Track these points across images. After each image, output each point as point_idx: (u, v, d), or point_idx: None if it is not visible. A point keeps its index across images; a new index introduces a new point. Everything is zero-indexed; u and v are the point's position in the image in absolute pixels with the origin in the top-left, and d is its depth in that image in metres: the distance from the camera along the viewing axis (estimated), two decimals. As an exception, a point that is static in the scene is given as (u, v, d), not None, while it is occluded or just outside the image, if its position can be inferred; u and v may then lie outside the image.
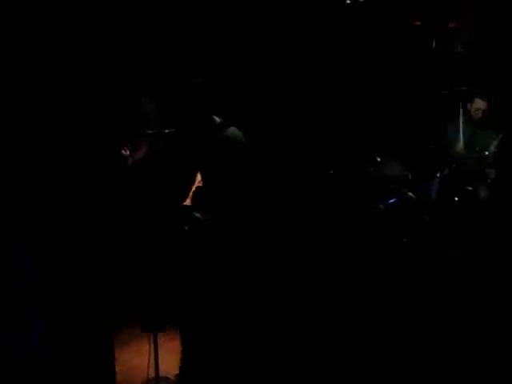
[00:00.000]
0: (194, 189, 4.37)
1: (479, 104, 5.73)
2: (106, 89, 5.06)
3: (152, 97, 5.34)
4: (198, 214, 4.07)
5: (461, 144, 5.78)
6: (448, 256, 5.41)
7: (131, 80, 5.24)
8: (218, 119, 4.05)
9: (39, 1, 4.43)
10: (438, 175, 5.76)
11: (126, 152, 5.12)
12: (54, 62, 4.52)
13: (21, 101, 4.21)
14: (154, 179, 4.99)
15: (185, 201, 4.39)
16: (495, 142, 5.69)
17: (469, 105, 5.80)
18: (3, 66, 3.98)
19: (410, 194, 5.80)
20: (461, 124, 5.83)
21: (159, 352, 4.08)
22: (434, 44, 6.92)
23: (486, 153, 5.61)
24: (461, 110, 5.80)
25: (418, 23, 6.91)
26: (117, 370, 4.07)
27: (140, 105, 5.22)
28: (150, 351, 4.05)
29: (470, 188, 5.65)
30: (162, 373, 4.13)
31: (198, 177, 4.39)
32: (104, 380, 3.91)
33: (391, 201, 5.83)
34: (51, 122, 4.25)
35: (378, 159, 5.93)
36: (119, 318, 4.71)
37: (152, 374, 4.11)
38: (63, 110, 4.37)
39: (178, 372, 4.26)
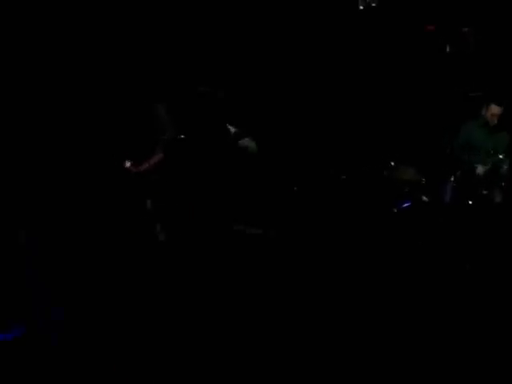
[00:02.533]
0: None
1: (495, 110, 5.71)
2: (121, 95, 5.15)
3: (167, 104, 5.40)
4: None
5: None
6: (460, 259, 5.41)
7: (146, 87, 5.30)
8: (232, 129, 4.10)
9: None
10: (452, 179, 5.76)
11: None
12: (68, 69, 4.62)
13: (32, 105, 4.30)
14: (166, 183, 5.06)
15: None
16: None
17: (483, 110, 5.79)
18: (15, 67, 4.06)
19: (424, 197, 5.81)
20: (472, 129, 5.86)
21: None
22: (447, 49, 6.93)
23: (500, 156, 5.61)
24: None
25: (432, 28, 6.92)
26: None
27: (154, 112, 5.28)
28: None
29: (485, 192, 5.65)
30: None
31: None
32: (108, 378, 3.94)
33: (405, 205, 5.84)
34: (61, 128, 4.33)
35: (392, 164, 5.94)
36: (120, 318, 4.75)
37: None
38: (75, 116, 4.47)
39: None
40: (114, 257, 4.18)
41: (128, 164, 5.04)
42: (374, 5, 6.68)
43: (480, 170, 5.70)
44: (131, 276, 4.78)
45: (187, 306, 4.29)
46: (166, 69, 5.98)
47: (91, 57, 5.28)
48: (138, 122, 5.20)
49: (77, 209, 4.06)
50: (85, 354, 3.71)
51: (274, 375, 3.87)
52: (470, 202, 5.64)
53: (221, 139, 4.09)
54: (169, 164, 5.14)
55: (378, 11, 6.83)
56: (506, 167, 5.62)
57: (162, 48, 6.01)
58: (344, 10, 6.83)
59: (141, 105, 5.25)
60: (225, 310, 4.13)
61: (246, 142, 4.09)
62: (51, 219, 3.86)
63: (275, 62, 6.44)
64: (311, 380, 3.89)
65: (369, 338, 4.35)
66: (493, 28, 6.77)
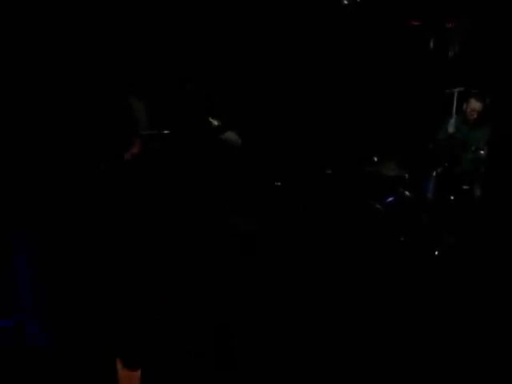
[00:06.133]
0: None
1: (475, 105, 5.79)
2: (100, 91, 5.14)
3: (144, 99, 5.39)
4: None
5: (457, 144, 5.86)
6: (444, 252, 5.49)
7: (124, 82, 5.29)
8: (215, 122, 4.09)
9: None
10: (434, 174, 5.82)
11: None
12: (48, 65, 4.59)
13: (19, 102, 4.28)
14: (146, 177, 5.07)
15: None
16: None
17: (464, 105, 5.87)
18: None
19: (407, 193, 5.87)
20: (455, 124, 5.92)
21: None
22: (431, 44, 6.98)
23: (482, 152, 5.68)
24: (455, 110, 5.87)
25: (416, 23, 6.96)
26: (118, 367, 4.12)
27: (131, 107, 5.27)
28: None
29: (466, 187, 5.72)
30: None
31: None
32: (106, 378, 3.96)
33: (388, 200, 5.89)
34: (46, 124, 4.32)
35: (375, 159, 5.99)
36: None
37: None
38: (58, 112, 4.46)
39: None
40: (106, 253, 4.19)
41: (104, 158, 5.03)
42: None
43: (450, 128, 5.79)
44: (124, 273, 4.79)
45: (182, 305, 4.31)
46: (143, 62, 5.97)
47: (71, 51, 5.26)
48: (114, 115, 5.20)
49: (61, 205, 4.06)
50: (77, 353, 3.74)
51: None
52: (452, 197, 5.72)
53: (203, 132, 4.08)
54: (147, 158, 5.15)
55: (362, 6, 6.85)
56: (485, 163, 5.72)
57: (140, 42, 5.99)
58: (328, 4, 6.84)
59: (117, 98, 5.25)
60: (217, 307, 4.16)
61: (229, 135, 4.09)
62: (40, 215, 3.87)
63: (257, 56, 6.44)
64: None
65: (354, 331, 4.40)
66: (477, 23, 6.83)
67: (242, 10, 6.37)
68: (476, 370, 4.01)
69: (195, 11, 6.25)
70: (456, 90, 5.85)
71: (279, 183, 5.84)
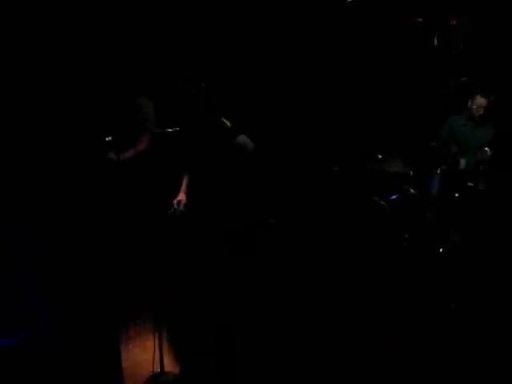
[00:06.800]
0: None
1: (480, 101, 5.75)
2: (107, 90, 5.16)
3: (152, 97, 5.42)
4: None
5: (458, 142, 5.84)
6: (448, 249, 5.47)
7: (133, 81, 5.31)
8: (228, 123, 4.08)
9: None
10: (439, 171, 5.80)
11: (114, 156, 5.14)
12: (54, 64, 4.62)
13: (22, 103, 4.31)
14: (152, 173, 5.11)
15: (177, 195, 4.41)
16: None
17: (469, 102, 5.83)
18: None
19: (412, 190, 5.85)
20: (458, 121, 5.90)
21: (164, 347, 4.14)
22: (435, 41, 6.96)
23: (486, 149, 5.65)
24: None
25: (420, 20, 6.94)
26: (123, 366, 4.14)
27: (140, 105, 5.31)
28: (154, 347, 4.11)
29: (471, 184, 5.70)
30: (166, 368, 4.19)
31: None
32: (110, 376, 3.98)
33: (393, 197, 5.88)
34: (50, 123, 4.35)
35: (380, 156, 5.98)
36: (124, 314, 4.79)
37: (157, 369, 4.17)
38: (63, 110, 4.49)
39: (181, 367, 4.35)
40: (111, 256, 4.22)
41: (111, 154, 5.08)
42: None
43: (462, 164, 5.76)
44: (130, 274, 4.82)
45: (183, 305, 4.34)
46: (152, 60, 5.98)
47: (79, 49, 5.28)
48: (123, 113, 5.23)
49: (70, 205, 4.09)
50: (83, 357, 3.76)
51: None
52: (457, 195, 5.70)
53: (217, 133, 4.08)
54: (155, 155, 5.18)
55: (366, 2, 6.84)
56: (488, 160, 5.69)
57: (149, 41, 6.01)
58: (332, 1, 6.83)
59: (125, 96, 5.28)
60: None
61: (242, 139, 4.08)
62: (47, 219, 3.89)
63: (261, 55, 6.44)
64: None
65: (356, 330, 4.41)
66: (480, 20, 6.80)
67: (247, 10, 6.37)
68: (479, 368, 4.01)
69: (202, 12, 6.27)
70: (460, 80, 5.82)
71: (283, 181, 5.84)
